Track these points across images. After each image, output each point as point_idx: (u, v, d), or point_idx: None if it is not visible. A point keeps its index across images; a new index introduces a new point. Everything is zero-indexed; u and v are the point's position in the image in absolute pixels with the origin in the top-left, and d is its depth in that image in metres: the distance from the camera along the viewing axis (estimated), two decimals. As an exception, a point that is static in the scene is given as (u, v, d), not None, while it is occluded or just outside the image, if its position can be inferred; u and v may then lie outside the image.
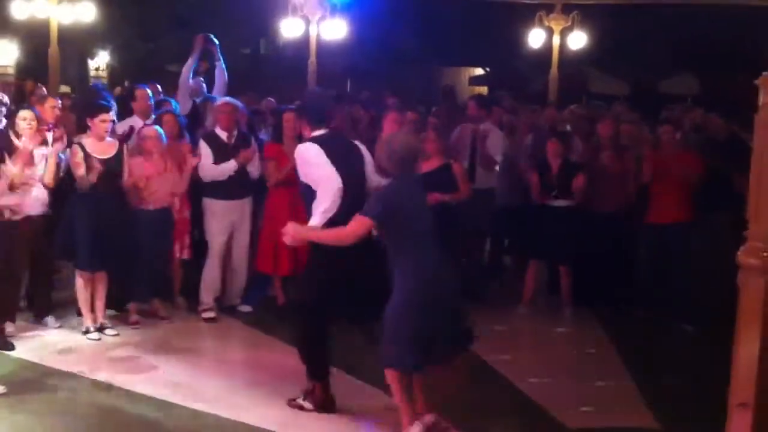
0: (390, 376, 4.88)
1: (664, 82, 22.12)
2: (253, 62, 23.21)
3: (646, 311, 7.72)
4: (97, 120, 6.68)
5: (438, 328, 4.83)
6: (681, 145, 7.78)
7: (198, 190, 7.43)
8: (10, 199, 6.27)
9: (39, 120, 6.52)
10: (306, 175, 5.24)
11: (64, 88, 11.54)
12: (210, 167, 7.27)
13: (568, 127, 8.95)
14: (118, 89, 9.67)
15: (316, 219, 5.10)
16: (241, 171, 7.35)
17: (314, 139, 5.31)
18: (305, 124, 5.45)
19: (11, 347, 6.33)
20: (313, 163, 5.19)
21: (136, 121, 7.68)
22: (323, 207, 5.08)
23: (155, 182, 6.96)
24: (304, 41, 12.83)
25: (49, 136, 6.68)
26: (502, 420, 5.49)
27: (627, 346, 6.99)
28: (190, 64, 8.56)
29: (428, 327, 4.79)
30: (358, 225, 4.84)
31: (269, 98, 10.20)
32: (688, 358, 6.80)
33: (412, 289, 4.80)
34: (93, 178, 6.57)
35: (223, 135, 7.37)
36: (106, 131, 6.75)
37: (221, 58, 8.71)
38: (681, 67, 22.07)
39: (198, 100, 8.65)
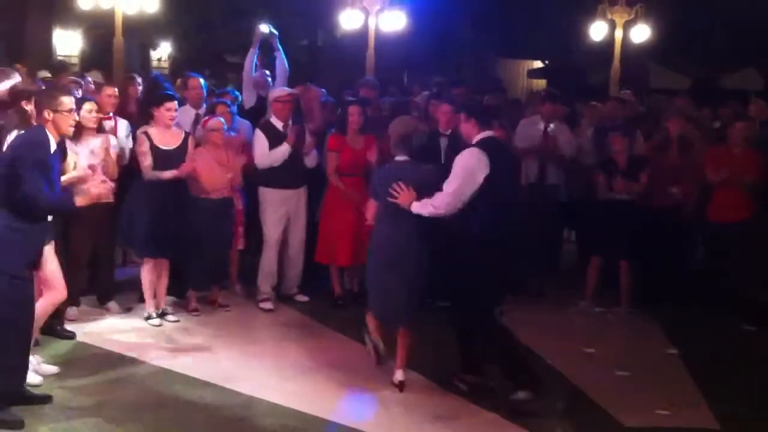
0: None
1: (727, 77, 21.63)
2: (311, 54, 23.28)
3: (705, 309, 7.58)
4: (162, 109, 6.75)
5: (390, 290, 5.54)
6: (748, 142, 7.57)
7: (253, 180, 7.50)
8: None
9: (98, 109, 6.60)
10: (455, 169, 5.46)
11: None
12: (265, 154, 7.33)
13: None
14: (179, 81, 9.73)
15: (426, 207, 5.44)
16: (296, 160, 7.39)
17: (481, 144, 5.51)
18: (473, 126, 5.62)
19: (72, 336, 6.45)
20: (466, 166, 5.42)
21: (187, 111, 7.71)
22: (433, 206, 5.40)
23: (217, 172, 7.04)
24: (363, 33, 12.84)
25: (108, 124, 6.80)
26: (557, 415, 5.45)
27: (686, 344, 6.88)
28: (251, 56, 8.52)
29: (380, 284, 5.60)
30: None
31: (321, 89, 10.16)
32: (748, 357, 6.69)
33: (369, 249, 5.79)
34: (166, 176, 6.66)
35: (278, 124, 7.42)
36: (172, 119, 6.84)
37: (280, 48, 8.67)
38: (745, 61, 21.54)
39: (264, 94, 8.67)
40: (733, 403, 5.68)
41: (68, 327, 6.53)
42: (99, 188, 5.36)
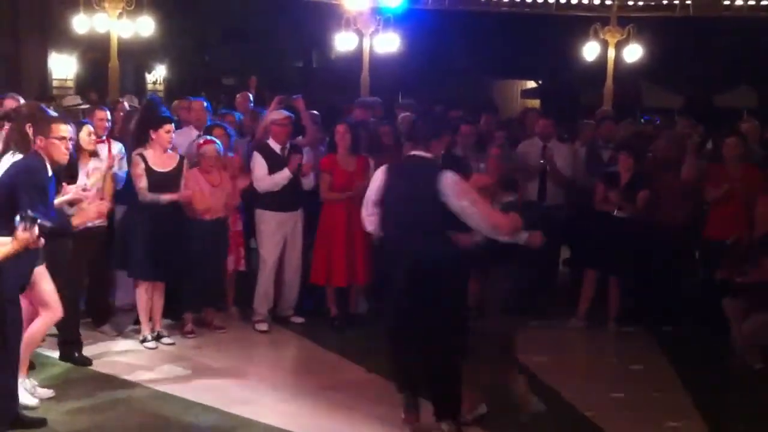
0: None
1: (720, 95, 21.75)
2: (305, 75, 23.37)
3: (699, 328, 7.56)
4: (161, 131, 6.76)
5: None
6: (744, 159, 7.59)
7: (251, 202, 7.52)
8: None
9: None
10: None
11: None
12: (265, 178, 7.34)
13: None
14: (175, 102, 9.76)
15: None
16: (294, 182, 7.39)
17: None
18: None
19: (89, 362, 6.40)
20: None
21: (192, 132, 7.77)
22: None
23: (211, 194, 7.05)
24: (357, 54, 12.92)
25: (102, 148, 6.80)
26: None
27: (677, 362, 6.87)
28: (244, 98, 8.71)
29: None
30: None
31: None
32: (746, 376, 6.66)
33: None
34: (164, 199, 6.68)
35: (276, 147, 7.43)
36: (170, 142, 6.87)
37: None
38: (738, 79, 21.68)
39: (239, 115, 8.69)
40: (729, 425, 5.67)
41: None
42: (97, 207, 5.42)
